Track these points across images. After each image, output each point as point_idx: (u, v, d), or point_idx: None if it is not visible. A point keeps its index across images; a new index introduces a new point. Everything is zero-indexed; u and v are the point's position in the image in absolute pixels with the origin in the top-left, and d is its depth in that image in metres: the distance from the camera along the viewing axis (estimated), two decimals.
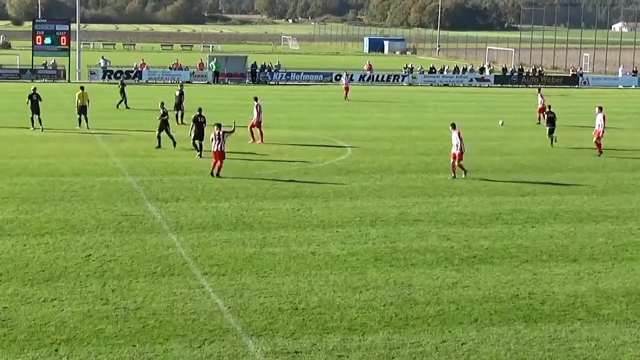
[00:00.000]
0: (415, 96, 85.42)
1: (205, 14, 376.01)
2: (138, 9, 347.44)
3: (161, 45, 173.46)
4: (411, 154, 45.61)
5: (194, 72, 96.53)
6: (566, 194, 35.91)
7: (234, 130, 38.97)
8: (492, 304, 21.81)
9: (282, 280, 23.29)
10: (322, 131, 54.22)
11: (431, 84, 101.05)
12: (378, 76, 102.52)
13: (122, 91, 64.98)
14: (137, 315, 20.44)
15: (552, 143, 49.06)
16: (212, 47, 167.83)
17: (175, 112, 55.09)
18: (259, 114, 47.74)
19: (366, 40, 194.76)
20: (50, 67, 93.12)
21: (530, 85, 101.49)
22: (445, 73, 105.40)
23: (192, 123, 42.79)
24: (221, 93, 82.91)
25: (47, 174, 37.31)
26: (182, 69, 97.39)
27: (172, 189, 34.69)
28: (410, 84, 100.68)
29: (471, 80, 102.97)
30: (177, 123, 53.62)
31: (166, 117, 44.60)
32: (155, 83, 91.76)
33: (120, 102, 64.36)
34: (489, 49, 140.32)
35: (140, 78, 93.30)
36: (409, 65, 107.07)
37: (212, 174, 36.95)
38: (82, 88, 53.93)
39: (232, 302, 21.44)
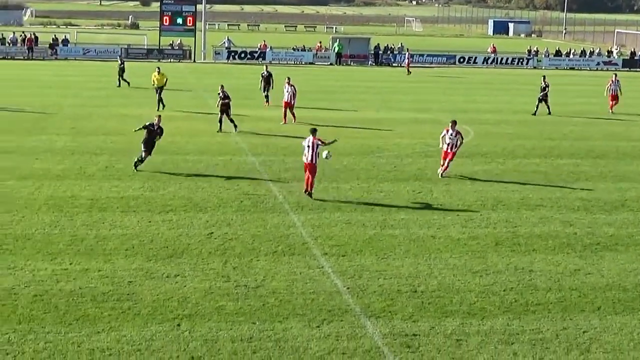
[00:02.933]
0: (540, 80, 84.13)
1: None
2: None
3: (285, 26, 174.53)
4: (535, 139, 44.97)
5: (316, 53, 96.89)
6: None
7: (333, 141, 31.89)
8: (616, 293, 21.40)
9: (401, 263, 23.28)
10: (445, 114, 53.83)
11: (557, 68, 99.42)
12: (502, 59, 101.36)
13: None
14: (257, 293, 20.68)
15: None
16: (336, 28, 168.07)
17: (265, 93, 55.49)
18: (289, 94, 47.43)
19: (491, 22, 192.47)
20: (177, 47, 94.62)
21: None
22: (571, 56, 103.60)
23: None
24: (343, 75, 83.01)
25: (172, 152, 37.96)
26: (304, 50, 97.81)
27: (294, 169, 34.91)
28: (535, 67, 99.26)
29: (598, 64, 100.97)
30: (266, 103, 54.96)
31: (227, 100, 43.85)
32: (279, 64, 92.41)
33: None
34: (617, 32, 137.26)
35: (264, 59, 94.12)
36: (534, 48, 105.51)
37: (306, 192, 30.34)
38: (158, 69, 53.35)
39: (351, 283, 21.52)
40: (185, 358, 17.00)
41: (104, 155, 36.71)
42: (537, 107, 54.81)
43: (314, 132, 30.46)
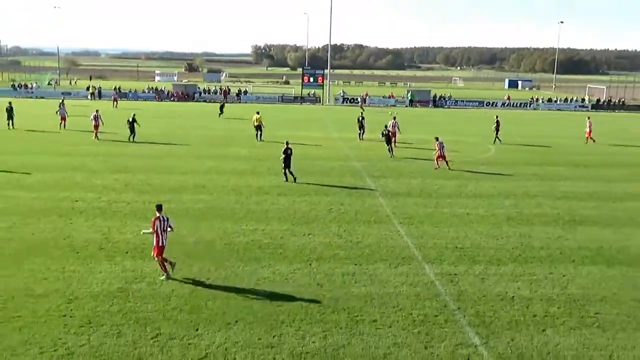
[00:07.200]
0: (539, 116, 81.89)
1: (405, 64, 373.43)
2: (364, 60, 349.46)
3: (378, 82, 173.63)
4: (535, 154, 43.69)
5: (397, 99, 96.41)
6: None
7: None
8: (586, 252, 20.66)
9: (448, 230, 22.97)
10: (474, 137, 52.78)
11: (549, 109, 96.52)
12: (514, 103, 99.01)
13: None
14: (359, 246, 20.70)
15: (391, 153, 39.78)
16: (409, 84, 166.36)
17: (360, 132, 47.81)
18: (440, 149, 38.20)
19: (507, 80, 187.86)
20: (312, 96, 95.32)
21: (616, 111, 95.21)
22: (558, 102, 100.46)
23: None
24: (414, 113, 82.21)
25: (306, 158, 38.13)
26: (391, 98, 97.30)
27: (382, 170, 34.76)
28: (534, 109, 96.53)
29: (575, 107, 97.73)
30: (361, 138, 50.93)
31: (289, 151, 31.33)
32: (374, 106, 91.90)
33: None
34: (588, 86, 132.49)
35: (365, 103, 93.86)
36: (535, 97, 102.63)
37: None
38: (257, 113, 46.79)
39: (417, 242, 21.35)
40: (314, 284, 17.15)
41: (268, 161, 37.15)
42: (496, 138, 48.05)
43: (159, 208, 17.30)
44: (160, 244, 17.11)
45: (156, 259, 17.36)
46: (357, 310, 15.68)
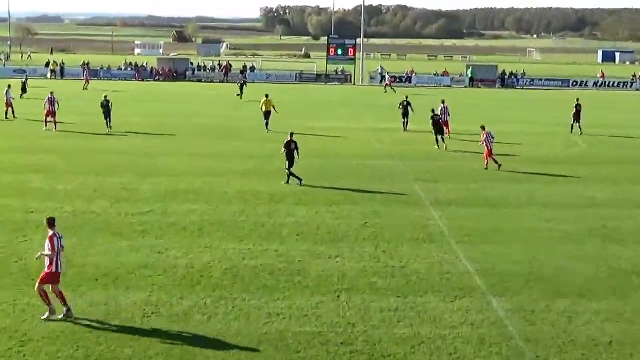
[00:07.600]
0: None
1: (464, 31, 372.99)
2: (409, 26, 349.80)
3: (427, 56, 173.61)
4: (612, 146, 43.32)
5: (454, 78, 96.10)
6: None
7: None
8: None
9: (521, 251, 22.73)
10: (555, 127, 52.33)
11: None
12: (610, 82, 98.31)
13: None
14: (402, 272, 20.56)
15: (438, 145, 41.07)
16: (469, 57, 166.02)
17: (404, 120, 48.61)
18: (488, 141, 36.42)
19: (600, 52, 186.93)
20: (340, 73, 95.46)
21: None
22: None
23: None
24: (475, 95, 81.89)
25: (332, 156, 38.13)
26: (445, 76, 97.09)
27: (432, 171, 34.62)
28: (638, 90, 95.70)
29: None
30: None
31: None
32: (422, 87, 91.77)
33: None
34: None
35: (410, 82, 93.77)
36: (637, 74, 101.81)
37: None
38: (266, 96, 47.93)
39: (479, 267, 21.14)
40: (343, 323, 17.04)
41: (279, 159, 37.02)
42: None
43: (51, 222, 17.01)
44: (58, 269, 16.71)
45: (43, 291, 16.63)
46: (401, 358, 15.55)
